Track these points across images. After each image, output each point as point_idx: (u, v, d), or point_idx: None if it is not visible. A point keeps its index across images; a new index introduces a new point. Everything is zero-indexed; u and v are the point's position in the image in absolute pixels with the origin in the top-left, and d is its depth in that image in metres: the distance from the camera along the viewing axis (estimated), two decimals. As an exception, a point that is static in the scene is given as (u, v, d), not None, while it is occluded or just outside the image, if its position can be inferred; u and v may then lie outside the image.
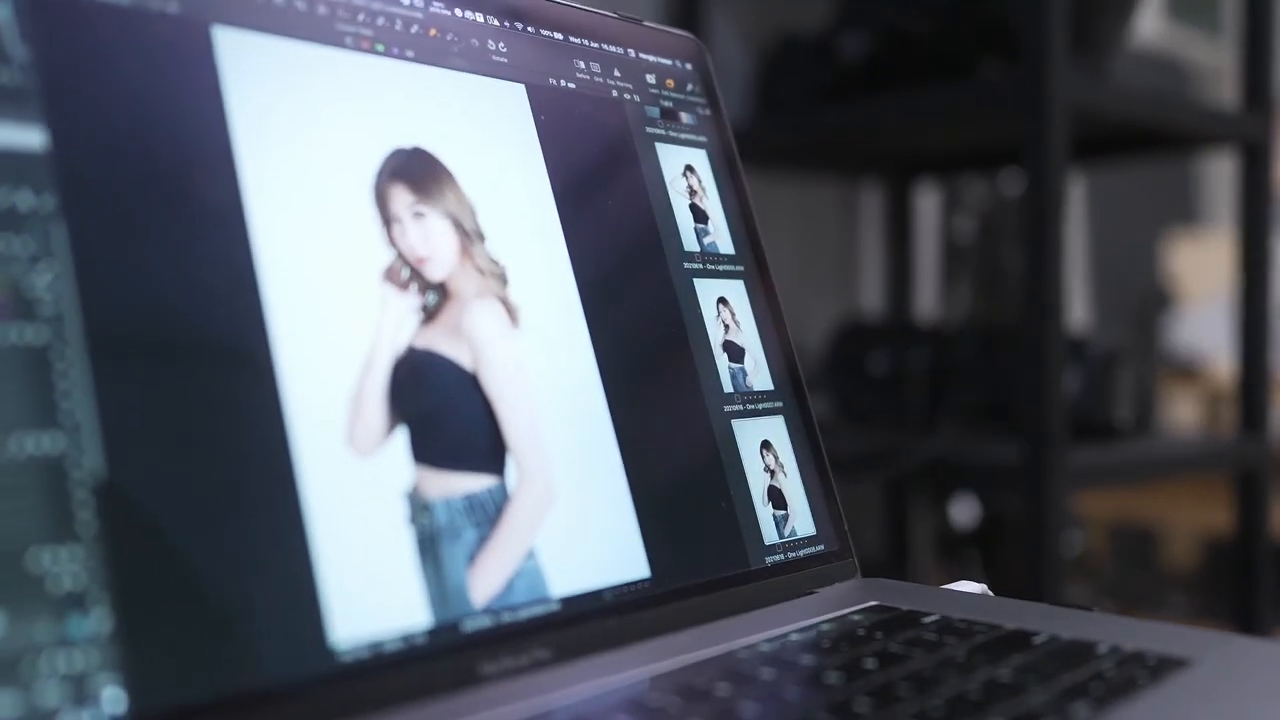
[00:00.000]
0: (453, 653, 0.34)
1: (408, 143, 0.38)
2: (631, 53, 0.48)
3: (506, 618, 0.35)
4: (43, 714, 0.26)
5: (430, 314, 0.37)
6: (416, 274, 0.37)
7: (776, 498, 0.45)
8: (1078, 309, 1.90)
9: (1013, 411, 1.06)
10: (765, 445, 0.45)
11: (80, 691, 0.27)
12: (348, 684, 0.31)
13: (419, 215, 0.38)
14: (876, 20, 1.13)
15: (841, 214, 1.50)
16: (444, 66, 0.41)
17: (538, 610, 0.36)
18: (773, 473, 0.45)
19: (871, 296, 1.51)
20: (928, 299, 1.53)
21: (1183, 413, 1.89)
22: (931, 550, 1.42)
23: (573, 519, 0.38)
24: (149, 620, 0.28)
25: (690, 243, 0.46)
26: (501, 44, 0.43)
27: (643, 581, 0.39)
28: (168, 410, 0.30)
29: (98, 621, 0.27)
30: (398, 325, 0.36)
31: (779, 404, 0.47)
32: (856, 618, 0.40)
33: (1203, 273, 2.06)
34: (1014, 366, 1.06)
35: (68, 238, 0.30)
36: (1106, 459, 1.04)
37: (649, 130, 0.47)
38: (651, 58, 0.49)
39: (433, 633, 0.33)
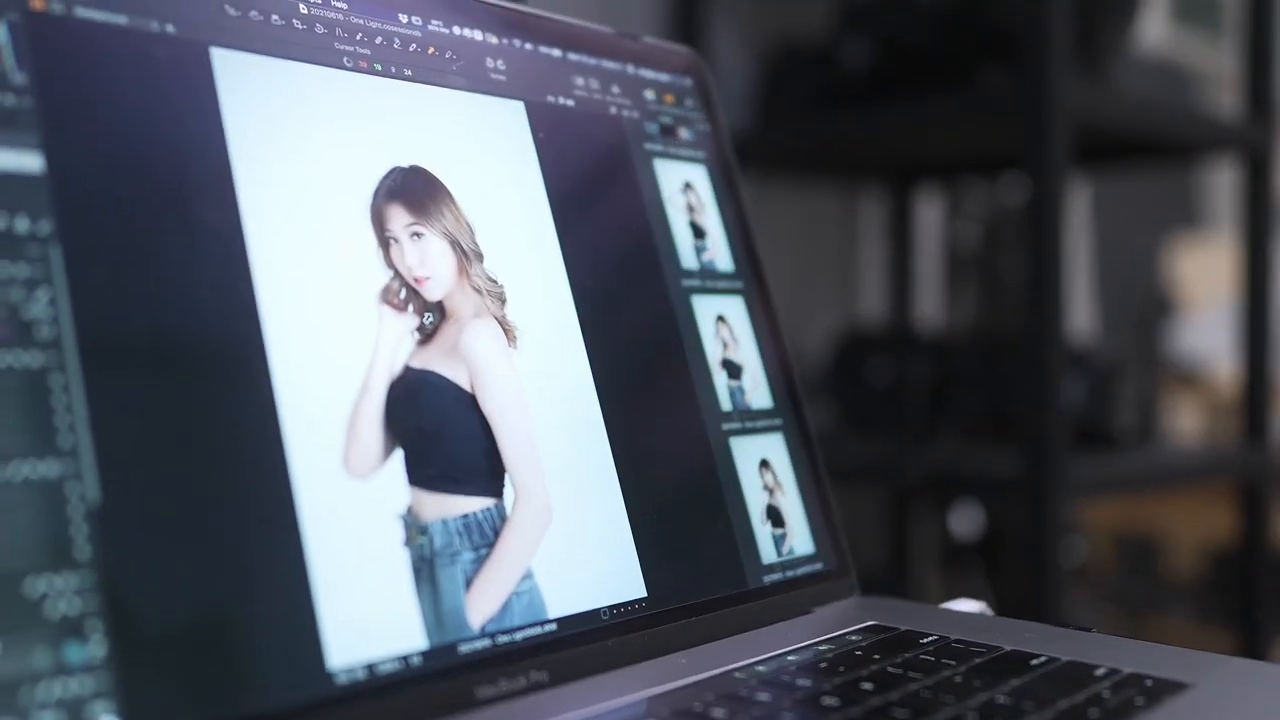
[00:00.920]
0: (449, 676, 0.33)
1: (405, 161, 0.39)
2: (630, 68, 0.48)
3: (503, 640, 0.35)
4: (38, 742, 0.26)
5: (428, 334, 0.37)
6: (414, 294, 0.37)
7: (775, 516, 0.45)
8: (1082, 316, 1.90)
9: (1013, 421, 1.06)
10: (764, 463, 0.45)
11: (77, 718, 0.27)
12: (344, 708, 0.31)
13: (417, 235, 0.38)
14: (877, 28, 1.13)
15: (843, 221, 1.50)
16: (442, 85, 0.41)
17: (535, 632, 0.36)
18: (771, 491, 0.45)
19: (872, 303, 1.51)
20: (929, 306, 1.53)
21: (1186, 420, 1.89)
22: (933, 561, 1.42)
23: (570, 540, 0.38)
24: (146, 646, 0.28)
25: (689, 260, 0.46)
26: (500, 61, 0.43)
27: (639, 601, 0.39)
28: (165, 433, 0.30)
29: (95, 648, 0.27)
30: (395, 346, 0.36)
31: (778, 421, 0.47)
32: (854, 638, 0.40)
33: (1207, 278, 2.06)
34: (1014, 375, 1.06)
35: (64, 261, 0.30)
36: (1108, 468, 1.04)
37: (647, 147, 0.47)
38: (650, 73, 0.49)
39: (429, 655, 0.33)
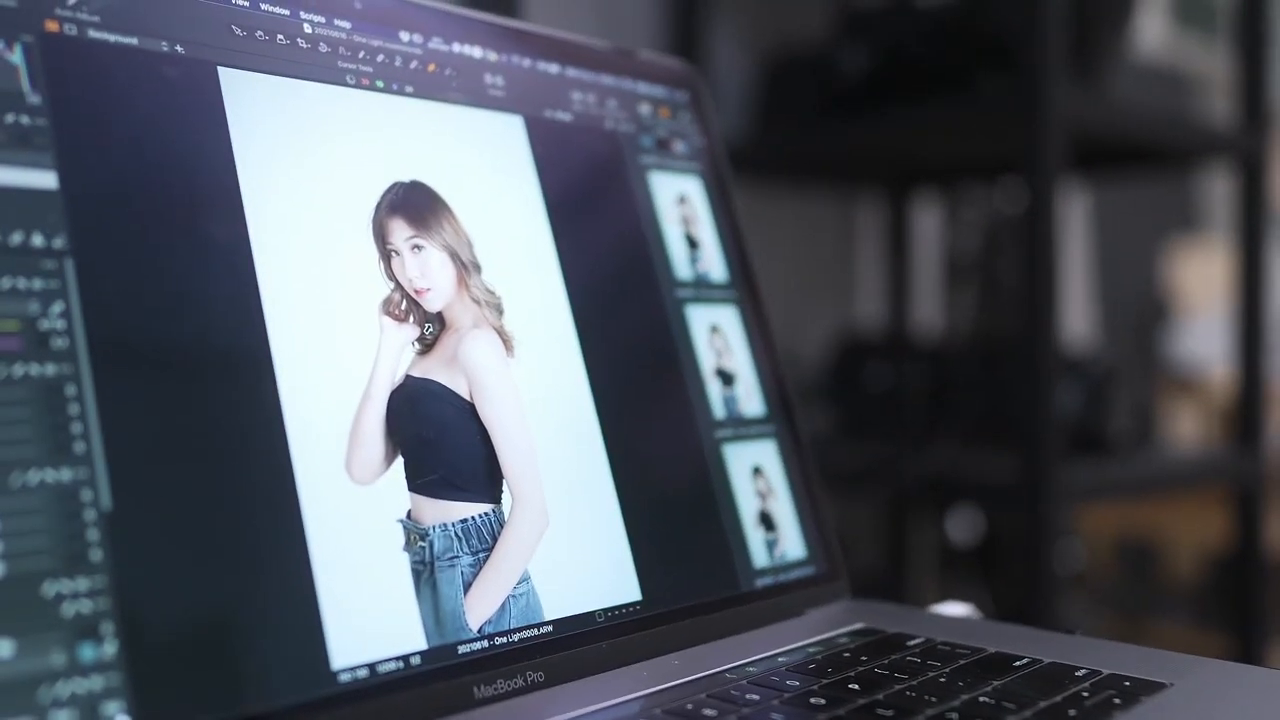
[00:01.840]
0: (449, 676, 0.35)
1: (406, 176, 0.40)
2: (626, 83, 0.49)
3: (501, 641, 0.36)
4: (53, 738, 0.27)
5: (428, 344, 0.38)
6: (415, 305, 0.38)
7: (767, 521, 0.46)
8: (1080, 321, 1.91)
9: (1011, 426, 1.06)
10: (756, 470, 0.46)
11: (91, 717, 0.28)
12: (347, 707, 0.32)
13: (417, 248, 0.39)
14: (876, 36, 1.14)
15: (841, 226, 1.51)
16: (442, 101, 0.42)
17: (531, 634, 0.37)
18: (763, 496, 0.46)
19: (871, 309, 1.52)
20: (927, 312, 1.54)
21: (1183, 424, 1.90)
22: (930, 565, 1.43)
23: (566, 544, 0.39)
24: (156, 646, 0.29)
25: (683, 271, 0.47)
26: (498, 77, 0.44)
27: (634, 604, 0.40)
28: (174, 441, 0.31)
29: (108, 647, 0.29)
30: (396, 356, 0.37)
31: (770, 428, 0.48)
32: (843, 640, 0.41)
33: (1203, 282, 2.07)
34: (1012, 380, 1.07)
35: (78, 274, 0.31)
36: (1104, 474, 1.05)
37: (643, 160, 0.48)
38: (646, 87, 0.50)
39: (429, 656, 0.34)
